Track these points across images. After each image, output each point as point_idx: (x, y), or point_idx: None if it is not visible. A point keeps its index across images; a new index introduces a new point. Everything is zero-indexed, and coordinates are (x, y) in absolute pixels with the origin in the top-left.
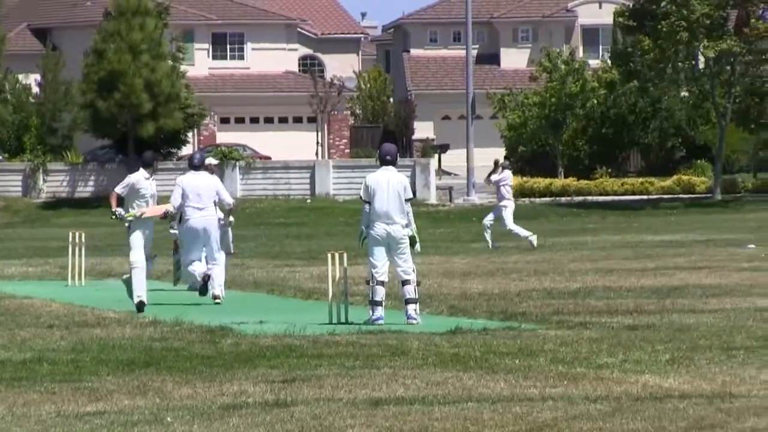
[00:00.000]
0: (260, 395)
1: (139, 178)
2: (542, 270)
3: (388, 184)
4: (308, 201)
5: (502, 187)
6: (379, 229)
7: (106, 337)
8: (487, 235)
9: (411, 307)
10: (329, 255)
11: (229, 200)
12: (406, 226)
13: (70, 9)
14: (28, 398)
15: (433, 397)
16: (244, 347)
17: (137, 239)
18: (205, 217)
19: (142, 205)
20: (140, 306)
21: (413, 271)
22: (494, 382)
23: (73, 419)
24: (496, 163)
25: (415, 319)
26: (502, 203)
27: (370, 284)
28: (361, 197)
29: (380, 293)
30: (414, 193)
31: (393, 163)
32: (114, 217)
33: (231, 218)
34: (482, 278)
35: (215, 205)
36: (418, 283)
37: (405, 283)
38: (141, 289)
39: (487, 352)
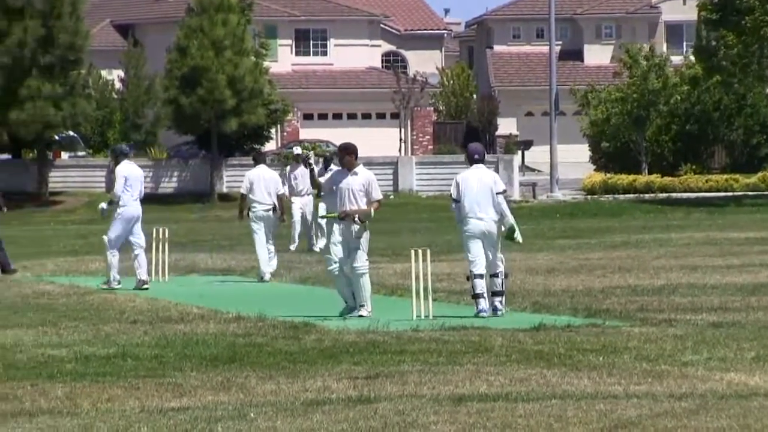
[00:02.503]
0: (343, 391)
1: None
2: (626, 267)
3: (478, 182)
4: (391, 197)
5: None
6: (473, 225)
7: (189, 332)
8: None
9: (497, 299)
10: (412, 251)
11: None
12: (499, 220)
13: (152, 5)
14: (112, 393)
15: (517, 394)
16: (327, 343)
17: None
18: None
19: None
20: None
21: (502, 263)
22: (578, 379)
23: (156, 415)
24: None
25: (501, 310)
26: None
27: (470, 279)
28: (451, 195)
29: (480, 286)
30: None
31: (481, 161)
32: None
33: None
34: (566, 275)
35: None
36: (506, 276)
37: (494, 276)
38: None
39: (570, 349)
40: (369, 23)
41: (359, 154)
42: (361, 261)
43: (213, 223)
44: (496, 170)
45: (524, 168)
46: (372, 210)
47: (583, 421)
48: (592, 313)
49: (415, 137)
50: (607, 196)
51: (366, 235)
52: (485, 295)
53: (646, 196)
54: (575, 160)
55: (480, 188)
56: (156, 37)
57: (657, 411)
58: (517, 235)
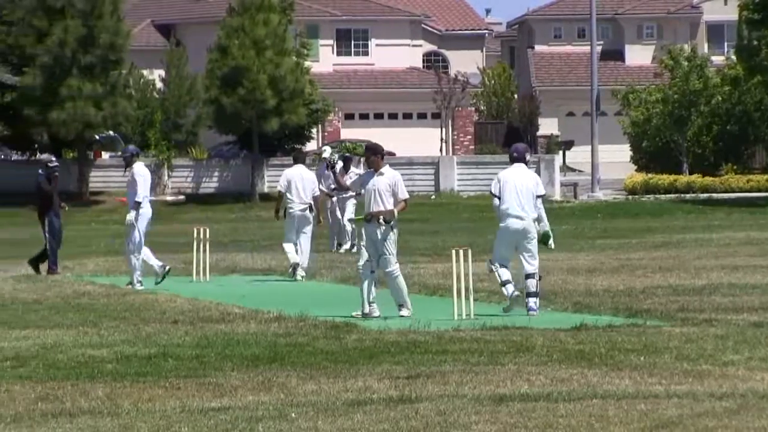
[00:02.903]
0: (384, 391)
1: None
2: (667, 267)
3: (517, 181)
4: (432, 197)
5: None
6: (510, 223)
7: (230, 332)
8: None
9: (532, 300)
10: (454, 251)
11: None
12: (536, 221)
13: (193, 5)
14: (152, 393)
15: (558, 394)
16: (368, 343)
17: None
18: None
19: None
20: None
21: (536, 266)
22: (619, 378)
23: (197, 414)
24: None
25: (535, 311)
26: None
27: (494, 269)
28: (491, 191)
29: (506, 274)
30: None
31: (521, 160)
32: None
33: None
34: (607, 275)
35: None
36: (540, 278)
37: (528, 276)
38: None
39: (611, 348)
40: (410, 23)
41: (400, 154)
42: (392, 265)
43: (254, 223)
44: (537, 171)
45: (565, 168)
46: (397, 211)
47: (624, 420)
48: (633, 313)
49: (456, 137)
50: (648, 196)
51: (392, 237)
52: (512, 279)
53: (687, 196)
54: (616, 160)
55: (520, 188)
56: (197, 36)
57: (698, 411)
58: (551, 242)
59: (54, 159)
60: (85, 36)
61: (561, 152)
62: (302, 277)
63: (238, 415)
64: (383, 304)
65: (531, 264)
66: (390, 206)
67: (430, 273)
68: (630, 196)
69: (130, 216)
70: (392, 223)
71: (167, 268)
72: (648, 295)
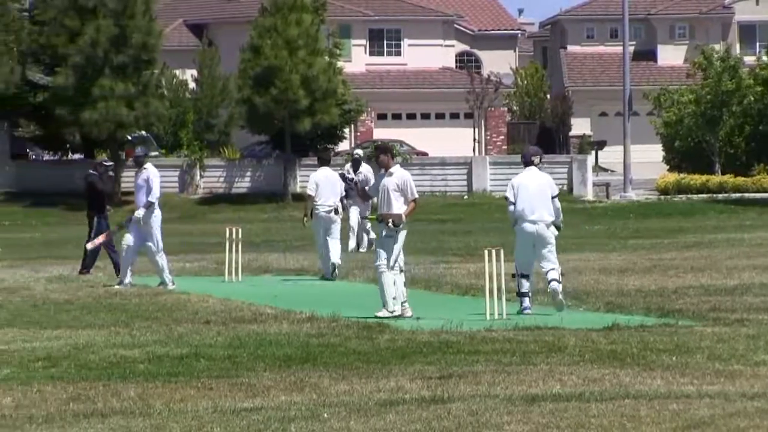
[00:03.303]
0: (417, 391)
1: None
2: (699, 267)
3: (532, 185)
4: (465, 197)
5: None
6: (527, 227)
7: (262, 332)
8: None
9: (554, 284)
10: (486, 251)
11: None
12: (552, 222)
13: (225, 4)
14: (185, 394)
15: (590, 394)
16: (400, 343)
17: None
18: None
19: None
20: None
21: (556, 270)
22: (651, 378)
23: (229, 415)
24: None
25: (558, 287)
26: None
27: (516, 278)
28: (506, 198)
29: (526, 285)
30: (570, 189)
31: (531, 163)
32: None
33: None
34: (639, 275)
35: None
36: (562, 274)
37: (550, 272)
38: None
39: (643, 348)
40: (443, 23)
41: (433, 154)
42: (380, 260)
43: (286, 223)
44: (570, 171)
45: (598, 168)
46: (407, 213)
47: (656, 420)
48: (665, 312)
49: (488, 137)
50: (680, 196)
51: (399, 238)
52: (530, 294)
53: (719, 196)
54: (648, 160)
55: (535, 191)
56: (229, 36)
57: (730, 411)
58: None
59: (107, 159)
60: (117, 36)
61: (593, 152)
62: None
63: (270, 415)
64: (413, 305)
65: (551, 263)
66: (399, 207)
67: (463, 273)
68: (662, 196)
69: (139, 213)
70: (401, 226)
71: (128, 283)
72: (680, 295)
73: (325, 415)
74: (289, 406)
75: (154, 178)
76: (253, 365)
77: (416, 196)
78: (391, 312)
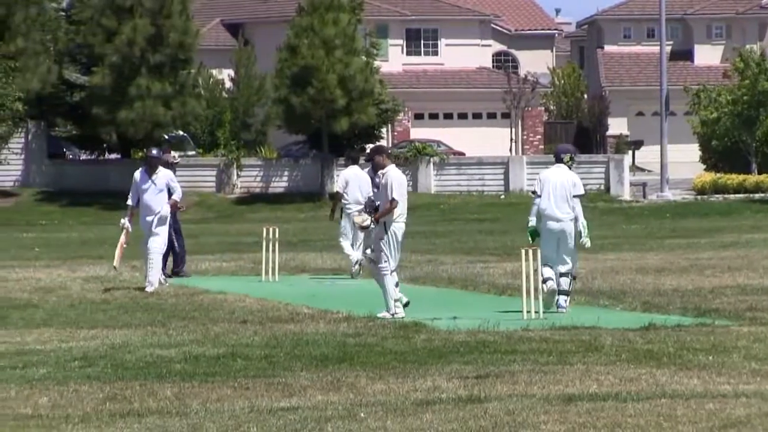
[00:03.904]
0: (453, 391)
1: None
2: (736, 266)
3: (556, 182)
4: (502, 197)
5: None
6: (550, 224)
7: (299, 332)
8: None
9: (562, 298)
10: (523, 251)
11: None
12: (573, 221)
13: (262, 4)
14: (221, 393)
15: (627, 394)
16: (437, 343)
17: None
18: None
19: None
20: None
21: (573, 265)
22: (687, 378)
23: (266, 414)
24: None
25: (564, 308)
26: None
27: (539, 270)
28: (533, 192)
29: (548, 272)
30: (607, 188)
31: (563, 161)
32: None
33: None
34: (676, 274)
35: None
36: (574, 278)
37: (562, 275)
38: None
39: (680, 348)
40: (480, 23)
41: (470, 154)
42: (382, 262)
43: (323, 223)
44: (606, 170)
45: (634, 168)
46: (384, 212)
47: (692, 420)
48: (702, 312)
49: (525, 137)
50: (717, 196)
51: (387, 237)
52: (553, 277)
53: (756, 195)
54: (685, 159)
55: (557, 188)
56: (266, 36)
57: (766, 410)
58: (585, 241)
59: (176, 155)
60: (154, 35)
61: (630, 152)
62: (358, 272)
63: (307, 415)
64: (443, 304)
65: (566, 263)
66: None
67: (500, 272)
68: (699, 196)
69: (165, 207)
70: (386, 223)
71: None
72: (717, 295)
73: (362, 415)
74: (326, 405)
75: (173, 181)
76: (290, 365)
77: (393, 197)
78: (393, 314)
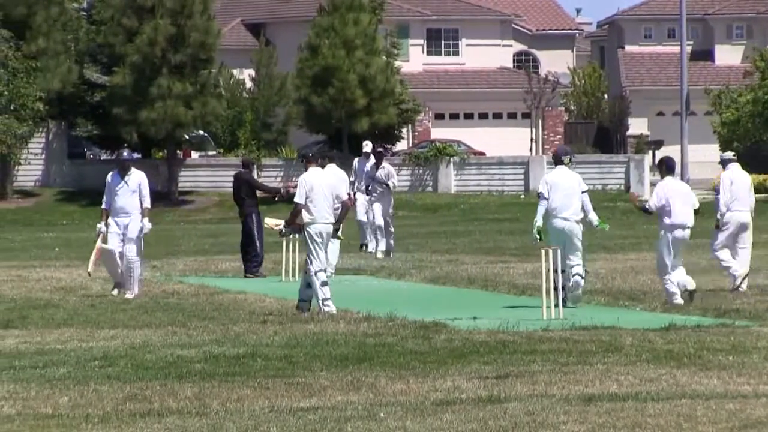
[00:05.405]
0: (473, 391)
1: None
2: (756, 267)
3: (564, 183)
4: (522, 197)
5: None
6: (558, 222)
7: (319, 332)
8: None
9: (578, 277)
10: (543, 251)
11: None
12: (583, 218)
13: (283, 4)
14: (241, 393)
15: (647, 394)
16: (457, 343)
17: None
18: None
19: None
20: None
21: (582, 264)
22: (708, 378)
23: (286, 414)
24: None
25: (580, 281)
26: None
27: (558, 269)
28: (539, 193)
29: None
30: (628, 188)
31: (563, 163)
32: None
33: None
34: (696, 275)
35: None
36: (587, 271)
37: (575, 267)
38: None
39: (700, 348)
40: (501, 23)
41: (491, 153)
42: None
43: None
44: (627, 170)
45: (655, 168)
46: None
47: (712, 420)
48: (722, 313)
49: (546, 137)
50: None
51: (306, 240)
52: (565, 289)
53: None
54: (705, 159)
55: (568, 189)
56: (287, 36)
57: None
58: (601, 224)
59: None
60: (175, 35)
61: (651, 152)
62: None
63: (326, 414)
64: (463, 304)
65: (574, 261)
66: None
67: (519, 272)
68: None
69: (147, 224)
70: (302, 226)
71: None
72: (737, 295)
73: (381, 415)
74: (346, 405)
75: (144, 183)
76: (310, 365)
77: (296, 200)
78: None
